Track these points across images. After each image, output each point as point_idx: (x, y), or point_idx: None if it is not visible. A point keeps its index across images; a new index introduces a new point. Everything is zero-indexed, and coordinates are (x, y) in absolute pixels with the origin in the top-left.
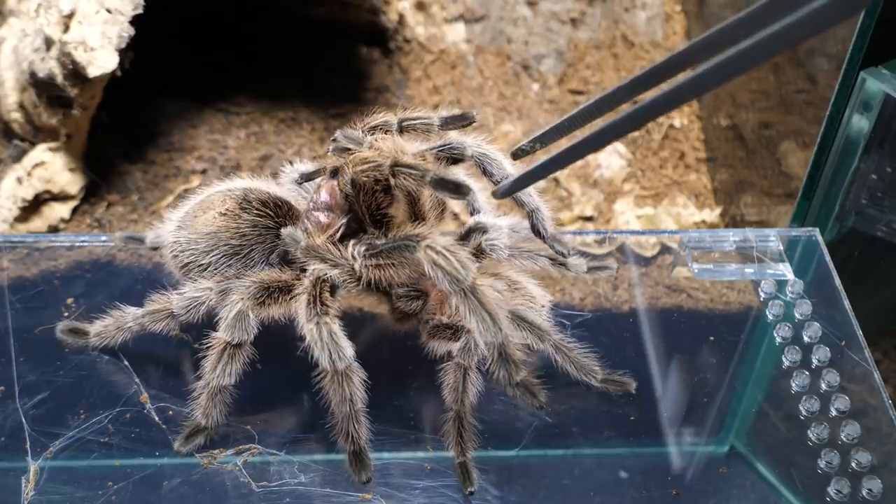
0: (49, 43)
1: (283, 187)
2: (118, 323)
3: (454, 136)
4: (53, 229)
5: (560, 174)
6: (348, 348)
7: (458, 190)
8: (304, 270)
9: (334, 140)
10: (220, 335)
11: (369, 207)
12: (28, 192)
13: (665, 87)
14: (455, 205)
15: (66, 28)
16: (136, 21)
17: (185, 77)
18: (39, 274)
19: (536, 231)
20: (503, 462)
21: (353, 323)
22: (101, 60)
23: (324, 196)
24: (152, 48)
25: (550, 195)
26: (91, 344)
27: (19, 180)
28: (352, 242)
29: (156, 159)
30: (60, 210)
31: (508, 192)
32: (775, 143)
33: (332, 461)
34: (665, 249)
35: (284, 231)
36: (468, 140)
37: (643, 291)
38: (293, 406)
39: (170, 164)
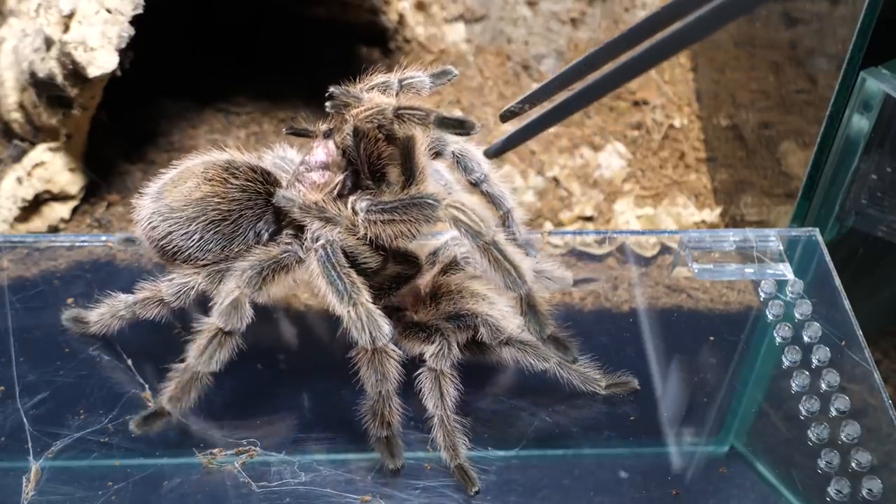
0: (49, 43)
1: (265, 162)
2: (112, 311)
3: (436, 132)
4: (53, 229)
5: (560, 174)
6: (385, 325)
7: (463, 125)
8: (297, 237)
9: (331, 96)
10: (214, 321)
11: (370, 157)
12: (28, 192)
13: (653, 41)
14: None
15: (66, 28)
16: (136, 21)
17: (185, 77)
18: (39, 274)
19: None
20: (503, 462)
21: None
22: (101, 60)
23: (319, 155)
24: (152, 48)
25: (550, 195)
26: (91, 332)
27: (19, 180)
28: (351, 199)
29: (156, 159)
30: (60, 210)
31: (501, 151)
32: (775, 143)
33: (332, 461)
34: (665, 249)
35: (279, 192)
36: (450, 137)
37: (643, 291)
38: (293, 406)
39: (170, 164)
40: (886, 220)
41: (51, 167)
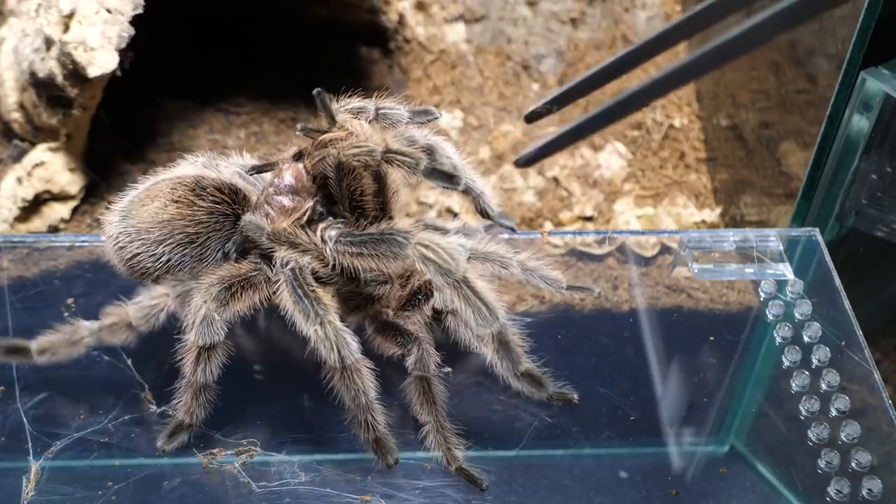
0: (49, 43)
1: (233, 176)
2: (69, 338)
3: (415, 131)
4: (53, 229)
5: (560, 174)
6: (353, 342)
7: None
8: (266, 258)
9: (313, 102)
10: (192, 339)
11: (352, 193)
12: (28, 192)
13: (685, 55)
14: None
15: (66, 28)
16: (136, 21)
17: (185, 77)
18: (39, 274)
19: (483, 213)
20: (503, 462)
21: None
22: (101, 60)
23: (288, 179)
24: (152, 48)
25: (551, 195)
26: (36, 362)
27: (19, 180)
28: (320, 226)
29: (156, 159)
30: (60, 210)
31: (532, 160)
32: (775, 143)
33: (332, 461)
34: (665, 249)
35: (245, 218)
36: (417, 132)
37: (643, 291)
38: (293, 406)
39: (170, 164)
40: (886, 220)
41: (51, 167)
